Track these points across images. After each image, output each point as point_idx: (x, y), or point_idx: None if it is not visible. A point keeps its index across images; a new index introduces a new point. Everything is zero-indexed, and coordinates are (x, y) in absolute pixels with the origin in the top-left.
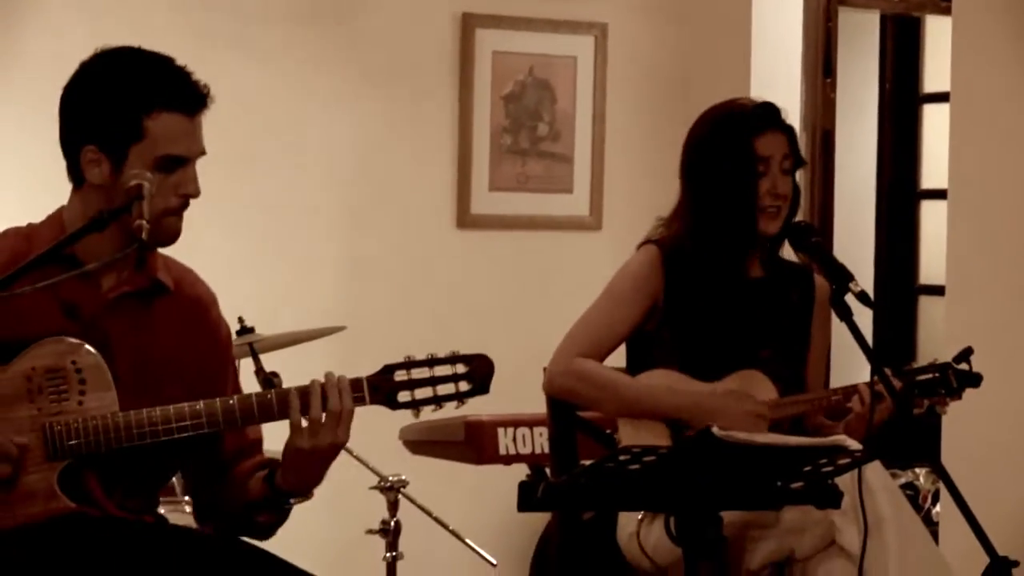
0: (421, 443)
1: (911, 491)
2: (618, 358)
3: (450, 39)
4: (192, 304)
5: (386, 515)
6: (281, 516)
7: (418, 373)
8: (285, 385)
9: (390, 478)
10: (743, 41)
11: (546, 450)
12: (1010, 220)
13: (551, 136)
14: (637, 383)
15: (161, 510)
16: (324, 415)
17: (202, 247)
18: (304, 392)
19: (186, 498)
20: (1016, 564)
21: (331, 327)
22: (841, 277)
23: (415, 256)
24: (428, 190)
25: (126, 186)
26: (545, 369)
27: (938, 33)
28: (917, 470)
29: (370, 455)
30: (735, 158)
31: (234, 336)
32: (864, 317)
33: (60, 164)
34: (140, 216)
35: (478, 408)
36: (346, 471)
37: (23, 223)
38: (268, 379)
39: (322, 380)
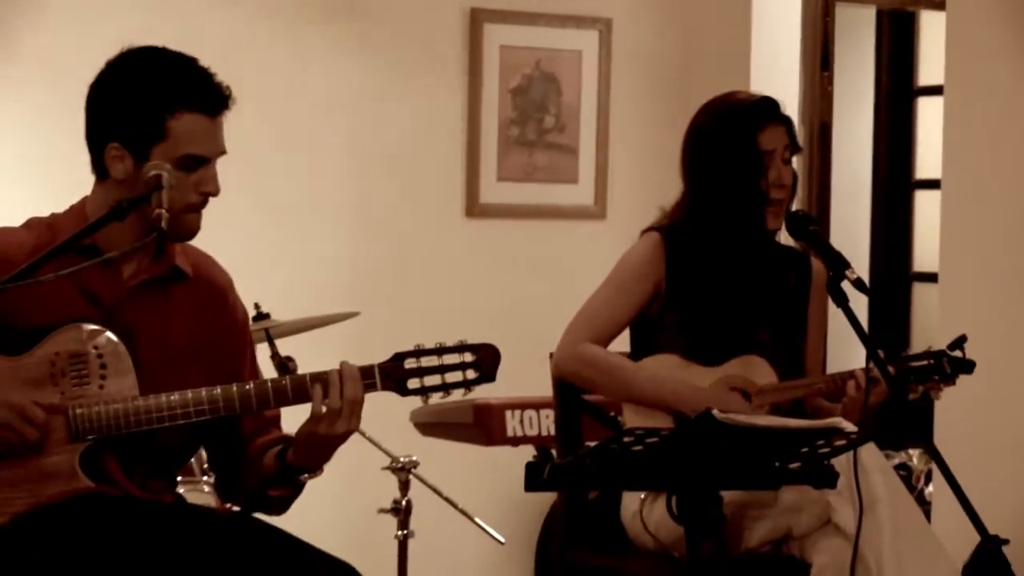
0: (431, 425)
1: (905, 472)
2: (622, 343)
3: (459, 34)
4: (209, 289)
5: (398, 495)
6: (295, 491)
7: (427, 361)
8: (300, 368)
9: (401, 459)
10: (743, 36)
11: (552, 432)
12: (1002, 209)
13: (557, 128)
14: (638, 369)
15: (180, 490)
16: (340, 404)
17: (222, 236)
18: (322, 381)
19: (204, 478)
20: (1006, 542)
21: (344, 313)
22: (837, 265)
23: (426, 244)
24: (438, 180)
25: (145, 177)
26: (551, 354)
27: (932, 28)
28: (911, 451)
29: (382, 437)
30: (740, 154)
31: (250, 322)
32: (860, 304)
33: (60, 162)
34: (159, 205)
35: (486, 392)
36: (359, 452)
37: (22, 217)
38: (283, 363)
39: (336, 367)
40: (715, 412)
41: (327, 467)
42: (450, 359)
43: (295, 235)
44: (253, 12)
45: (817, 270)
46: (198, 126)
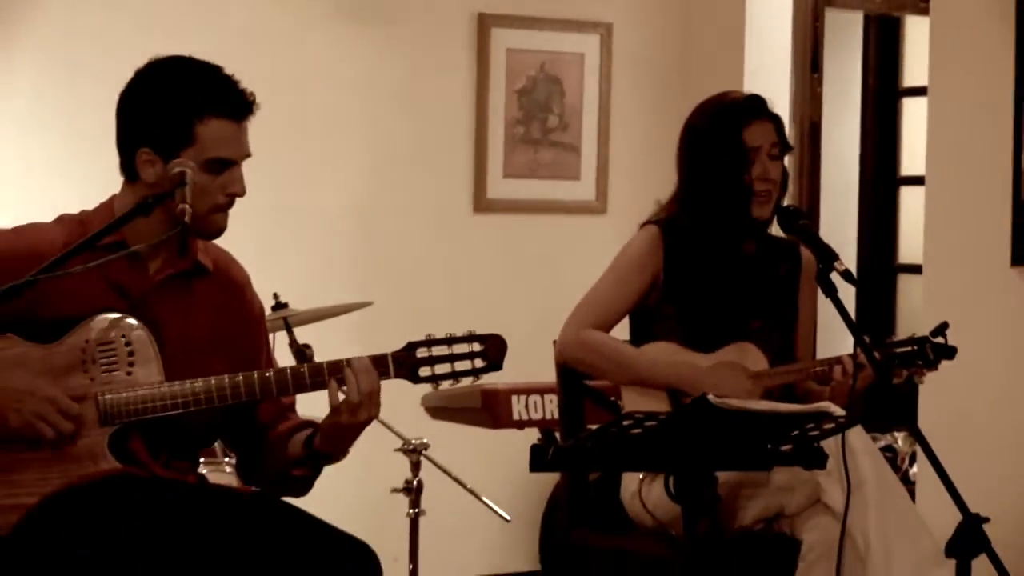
0: (441, 409)
1: (890, 453)
2: (621, 332)
3: (468, 38)
4: (229, 284)
5: (409, 475)
6: (316, 470)
7: (438, 350)
8: (316, 355)
9: (413, 441)
10: (737, 39)
11: (556, 416)
12: (982, 204)
13: (560, 127)
14: (640, 354)
15: (202, 470)
16: (359, 397)
17: (244, 231)
18: (337, 373)
19: (226, 459)
20: (986, 520)
21: (358, 303)
22: (827, 257)
23: (436, 237)
24: (447, 177)
25: (169, 174)
26: (555, 341)
27: (917, 32)
28: (896, 434)
29: (394, 420)
30: (726, 147)
31: (269, 311)
32: (848, 293)
33: (61, 161)
34: (183, 201)
35: (494, 377)
36: (373, 435)
37: (25, 217)
38: (301, 350)
39: (350, 356)
40: (710, 397)
41: None
42: (460, 348)
43: (312, 229)
44: (270, 15)
45: (807, 262)
46: (224, 131)
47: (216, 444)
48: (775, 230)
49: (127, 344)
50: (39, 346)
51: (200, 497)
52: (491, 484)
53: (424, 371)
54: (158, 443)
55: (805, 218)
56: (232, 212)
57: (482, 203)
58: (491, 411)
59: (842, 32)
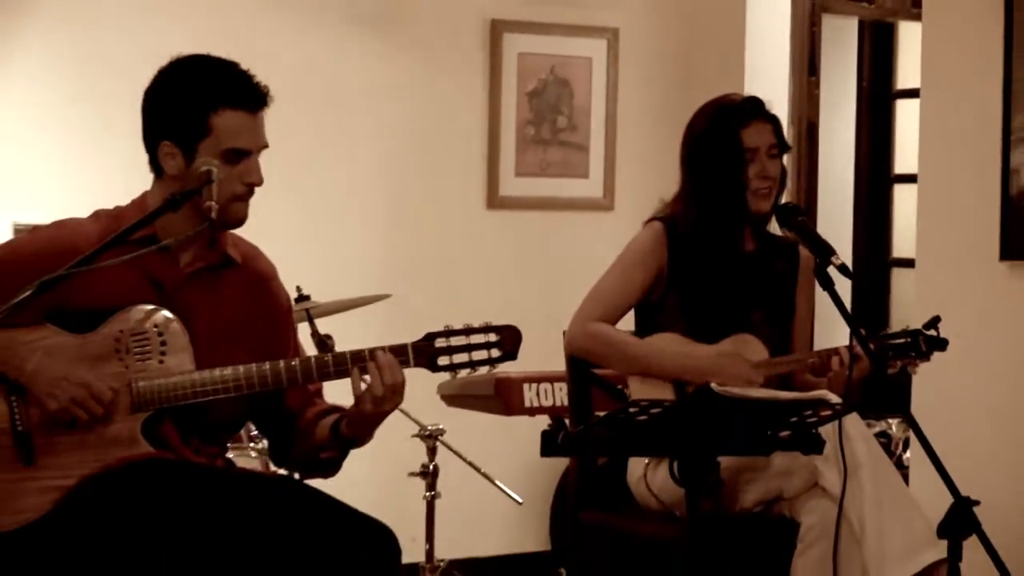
0: (456, 397)
1: (884, 439)
2: (627, 324)
3: (481, 42)
4: (256, 277)
5: (426, 460)
6: (343, 453)
7: (456, 340)
8: (337, 345)
9: (429, 427)
10: (737, 43)
11: (565, 403)
12: (972, 201)
13: (569, 128)
14: (645, 344)
15: (230, 455)
16: (383, 391)
17: (268, 227)
18: (360, 364)
19: (251, 444)
20: (977, 503)
21: (377, 295)
22: (824, 252)
23: (451, 233)
24: (462, 175)
25: (196, 172)
26: (564, 332)
27: (910, 37)
28: (890, 420)
29: (412, 407)
30: (726, 148)
31: (292, 303)
32: (844, 287)
33: (62, 161)
34: (210, 198)
35: (506, 367)
36: (391, 422)
37: (26, 216)
38: (322, 341)
39: (368, 345)
40: (713, 385)
41: None
42: (476, 339)
43: (333, 225)
44: (301, 25)
45: (805, 257)
46: (239, 121)
47: (242, 431)
48: (774, 228)
49: (160, 334)
50: (76, 335)
51: (228, 480)
52: (504, 468)
53: (443, 360)
54: (188, 429)
55: (803, 215)
56: (259, 211)
57: (495, 200)
58: (504, 398)
59: (838, 37)
